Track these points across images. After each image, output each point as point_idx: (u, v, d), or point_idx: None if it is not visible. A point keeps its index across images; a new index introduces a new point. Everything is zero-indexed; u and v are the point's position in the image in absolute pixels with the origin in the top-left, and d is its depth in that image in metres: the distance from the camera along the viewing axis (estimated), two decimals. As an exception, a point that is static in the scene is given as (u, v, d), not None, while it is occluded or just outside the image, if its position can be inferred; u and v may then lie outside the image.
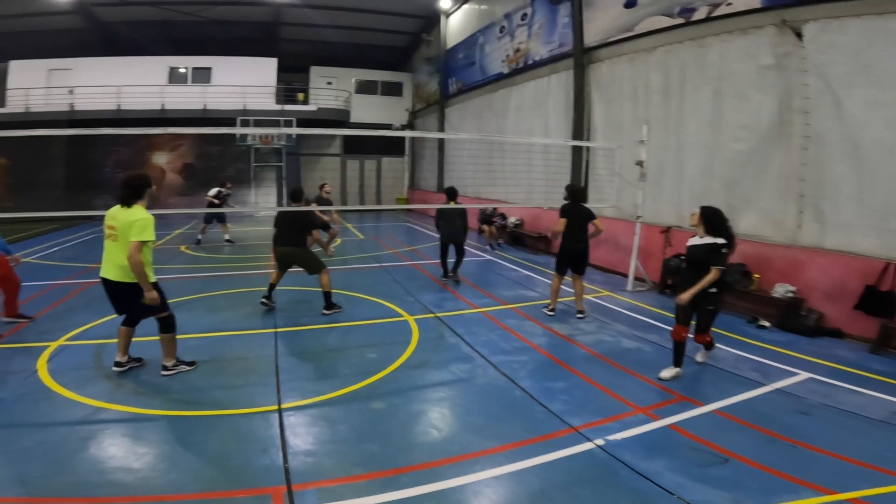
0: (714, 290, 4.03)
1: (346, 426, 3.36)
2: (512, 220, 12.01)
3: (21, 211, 5.29)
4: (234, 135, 17.29)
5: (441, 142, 17.58)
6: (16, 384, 3.84)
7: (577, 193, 6.02)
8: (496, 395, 3.93)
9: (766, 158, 6.64)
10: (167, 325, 3.99)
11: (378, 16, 18.21)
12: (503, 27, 13.41)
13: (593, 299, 6.85)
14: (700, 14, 7.49)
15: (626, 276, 7.78)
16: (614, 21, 9.28)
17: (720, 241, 4.01)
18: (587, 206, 6.00)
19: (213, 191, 11.05)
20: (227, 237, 11.28)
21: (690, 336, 4.23)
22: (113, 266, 3.75)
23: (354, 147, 20.88)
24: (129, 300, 3.82)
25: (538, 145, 11.16)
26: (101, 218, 3.91)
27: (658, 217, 8.23)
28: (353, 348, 4.84)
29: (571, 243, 5.83)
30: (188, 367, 4.16)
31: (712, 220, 4.11)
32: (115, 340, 4.17)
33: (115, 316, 5.17)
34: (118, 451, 2.95)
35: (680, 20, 7.83)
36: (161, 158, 18.51)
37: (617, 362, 4.63)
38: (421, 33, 19.20)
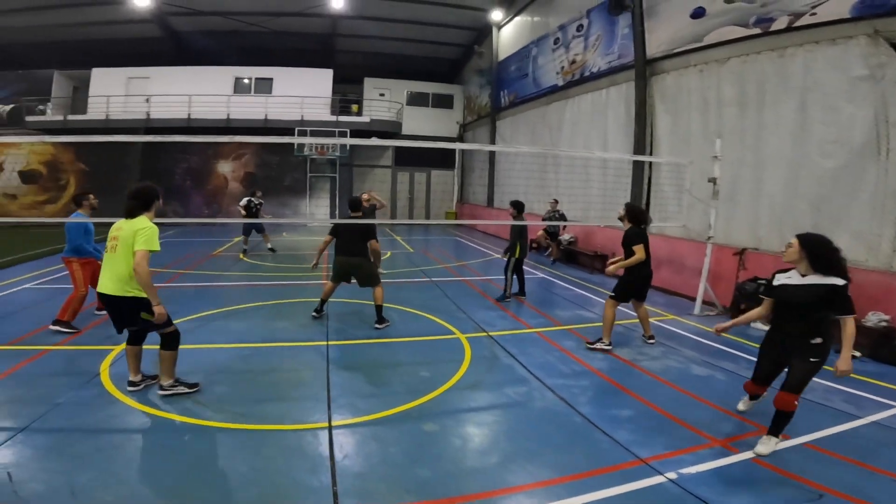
0: (819, 339, 3.13)
1: (398, 448, 3.17)
2: (566, 237, 11.61)
3: (97, 216, 5.55)
4: (292, 145, 17.85)
5: (491, 155, 17.43)
6: (78, 387, 3.89)
7: (640, 216, 5.44)
8: (555, 420, 3.65)
9: (859, 176, 6.03)
10: (170, 342, 3.71)
11: (430, 28, 18.49)
12: (557, 39, 13.22)
13: (656, 323, 6.41)
14: (780, 24, 7.01)
15: (691, 298, 7.28)
16: (680, 32, 8.92)
17: (839, 282, 3.03)
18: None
19: (244, 200, 10.71)
20: (269, 246, 11.20)
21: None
22: (111, 279, 3.50)
23: (405, 159, 21.13)
24: (128, 316, 3.60)
25: (595, 159, 10.76)
26: (170, 225, 3.93)
27: (730, 238, 7.64)
28: (404, 365, 4.68)
29: (646, 269, 5.35)
30: (187, 390, 3.78)
31: (821, 253, 3.10)
32: (180, 346, 4.19)
33: (178, 320, 5.30)
34: (169, 464, 2.89)
35: (756, 30, 7.37)
36: (225, 167, 19.37)
37: (687, 390, 4.27)
38: (472, 45, 19.30)
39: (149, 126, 17.04)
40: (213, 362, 4.54)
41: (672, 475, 2.90)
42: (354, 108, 20.14)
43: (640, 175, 10.03)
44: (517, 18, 16.04)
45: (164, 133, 15.63)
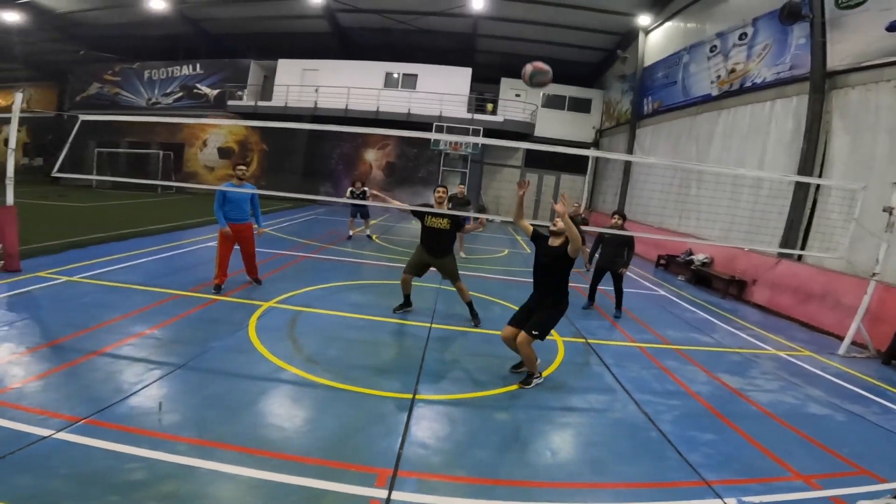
0: None
1: (466, 429, 3.41)
2: (699, 257, 10.63)
3: (270, 189, 6.54)
4: (429, 139, 18.98)
5: (627, 164, 16.52)
6: (228, 335, 4.63)
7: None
8: (628, 432, 3.62)
9: None
10: None
11: (572, 31, 18.16)
12: (715, 46, 12.12)
13: (788, 357, 5.83)
14: None
15: (838, 337, 6.42)
16: (871, 45, 7.70)
17: None
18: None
19: (347, 192, 11.20)
20: (368, 233, 11.79)
21: None
22: None
23: (536, 161, 21.03)
24: None
25: (748, 178, 9.64)
26: (324, 202, 4.54)
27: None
28: (494, 357, 4.86)
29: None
30: None
31: None
32: (310, 309, 4.93)
33: (312, 288, 6.02)
34: (278, 410, 3.41)
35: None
36: (371, 155, 21.42)
37: (793, 425, 3.93)
38: (615, 50, 18.48)
39: (315, 114, 19.51)
40: (333, 327, 5.23)
41: (732, 501, 2.78)
42: (490, 106, 20.60)
43: (803, 198, 8.80)
44: (667, 24, 15.09)
45: (328, 122, 17.90)
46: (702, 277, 10.39)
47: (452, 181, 20.33)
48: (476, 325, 5.68)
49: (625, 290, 7.00)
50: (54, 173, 6.15)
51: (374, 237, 11.74)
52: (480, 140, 6.96)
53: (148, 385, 3.48)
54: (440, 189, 5.67)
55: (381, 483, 2.67)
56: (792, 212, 8.96)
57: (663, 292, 9.21)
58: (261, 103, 20.72)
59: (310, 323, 5.25)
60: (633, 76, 16.94)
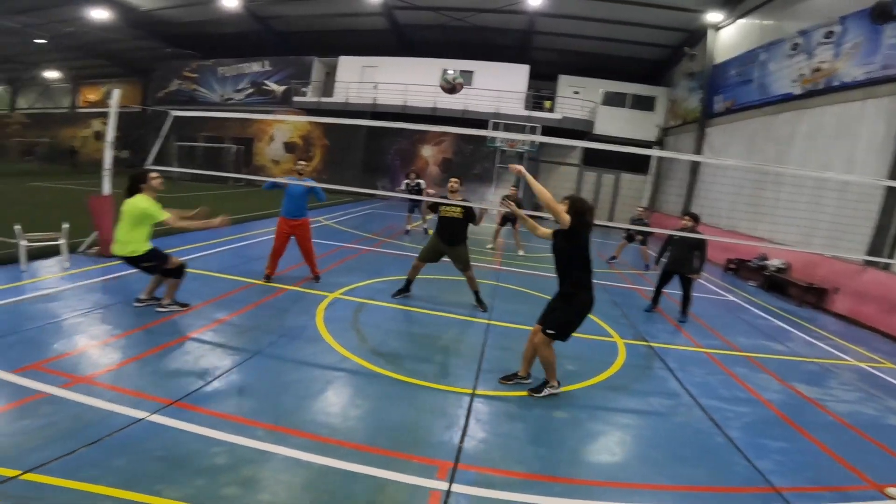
0: None
1: (525, 425, 3.45)
2: (774, 262, 10.02)
3: (331, 183, 6.89)
4: (485, 136, 18.95)
5: (694, 164, 15.78)
6: (298, 324, 4.87)
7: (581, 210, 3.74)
8: (692, 436, 3.56)
9: None
10: (175, 273, 4.76)
11: (631, 27, 17.59)
12: (797, 44, 11.48)
13: (869, 368, 5.53)
14: None
15: None
16: None
17: None
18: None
19: (402, 185, 11.91)
20: (424, 227, 12.08)
21: None
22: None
23: (595, 159, 20.52)
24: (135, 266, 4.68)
25: (834, 181, 8.94)
26: (383, 197, 4.73)
27: None
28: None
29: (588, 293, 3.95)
30: (179, 308, 4.81)
31: None
32: (373, 301, 5.17)
33: (374, 280, 6.22)
34: (344, 399, 3.55)
35: None
36: (427, 151, 21.69)
37: (871, 436, 3.77)
38: (680, 47, 17.69)
39: (374, 111, 19.99)
40: (395, 320, 5.41)
41: (799, 508, 2.68)
42: (547, 104, 20.25)
43: (893, 204, 8.08)
44: (741, 21, 14.48)
45: (386, 119, 18.32)
46: (776, 283, 9.82)
47: (508, 178, 20.20)
48: (483, 311, 5.96)
49: (692, 294, 6.72)
50: (147, 166, 6.71)
51: (429, 231, 11.88)
52: (538, 138, 6.79)
53: (229, 370, 3.75)
54: (453, 180, 6.02)
55: (441, 475, 2.75)
56: (882, 217, 8.30)
57: (733, 298, 8.79)
58: (323, 99, 21.48)
59: (373, 315, 5.45)
60: (702, 74, 16.23)
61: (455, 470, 2.81)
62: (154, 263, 4.66)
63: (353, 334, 4.81)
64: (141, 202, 4.50)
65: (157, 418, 2.97)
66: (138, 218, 4.48)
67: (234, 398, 3.35)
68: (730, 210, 11.85)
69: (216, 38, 23.89)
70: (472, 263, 6.02)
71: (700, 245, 6.46)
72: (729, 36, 15.13)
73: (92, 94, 31.23)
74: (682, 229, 6.46)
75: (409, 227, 11.67)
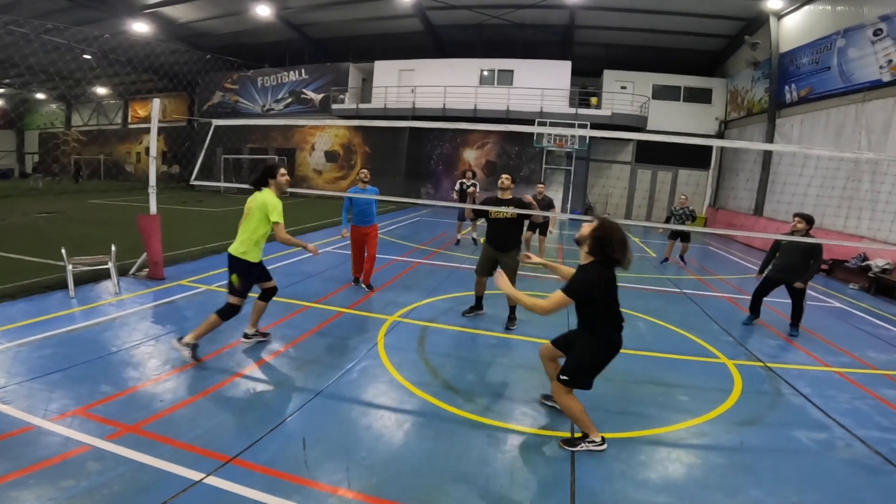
0: None
1: (645, 473, 2.82)
2: (878, 262, 8.83)
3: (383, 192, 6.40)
4: (530, 136, 18.15)
5: (766, 157, 14.52)
6: (360, 355, 4.33)
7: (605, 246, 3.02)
8: (865, 475, 2.98)
9: None
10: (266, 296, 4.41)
11: (683, 18, 16.54)
12: (879, 30, 10.63)
13: None
14: None
15: None
16: None
17: None
18: None
19: (457, 185, 10.72)
20: (474, 235, 11.11)
21: None
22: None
23: (648, 156, 19.37)
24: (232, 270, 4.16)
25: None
26: (426, 206, 4.16)
27: None
28: (658, 384, 4.13)
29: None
30: (261, 338, 4.48)
31: None
32: (436, 325, 4.53)
33: (434, 299, 5.64)
34: (429, 451, 2.95)
35: None
36: (470, 154, 21.00)
37: None
38: (738, 36, 16.55)
39: (414, 115, 19.53)
40: (465, 346, 4.79)
41: None
42: (594, 100, 19.24)
43: None
44: (807, 7, 13.52)
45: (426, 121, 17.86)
46: (883, 286, 8.64)
47: (556, 179, 19.34)
48: (511, 328, 5.30)
49: (805, 304, 5.78)
50: (192, 181, 6.37)
51: (480, 240, 11.20)
52: (587, 132, 5.93)
53: (290, 416, 3.24)
54: (504, 176, 5.37)
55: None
56: None
57: (837, 303, 7.71)
58: (361, 105, 21.22)
59: (439, 340, 4.85)
60: (768, 63, 15.06)
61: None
62: (243, 281, 4.13)
63: (420, 365, 4.24)
64: (269, 197, 4.13)
65: (214, 480, 2.52)
66: (265, 212, 4.08)
67: (297, 452, 2.84)
68: (816, 206, 10.64)
69: (254, 49, 24.12)
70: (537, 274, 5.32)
71: (814, 251, 5.52)
72: (795, 23, 14.18)
73: (142, 110, 32.24)
74: (793, 232, 5.55)
75: (459, 237, 11.02)
